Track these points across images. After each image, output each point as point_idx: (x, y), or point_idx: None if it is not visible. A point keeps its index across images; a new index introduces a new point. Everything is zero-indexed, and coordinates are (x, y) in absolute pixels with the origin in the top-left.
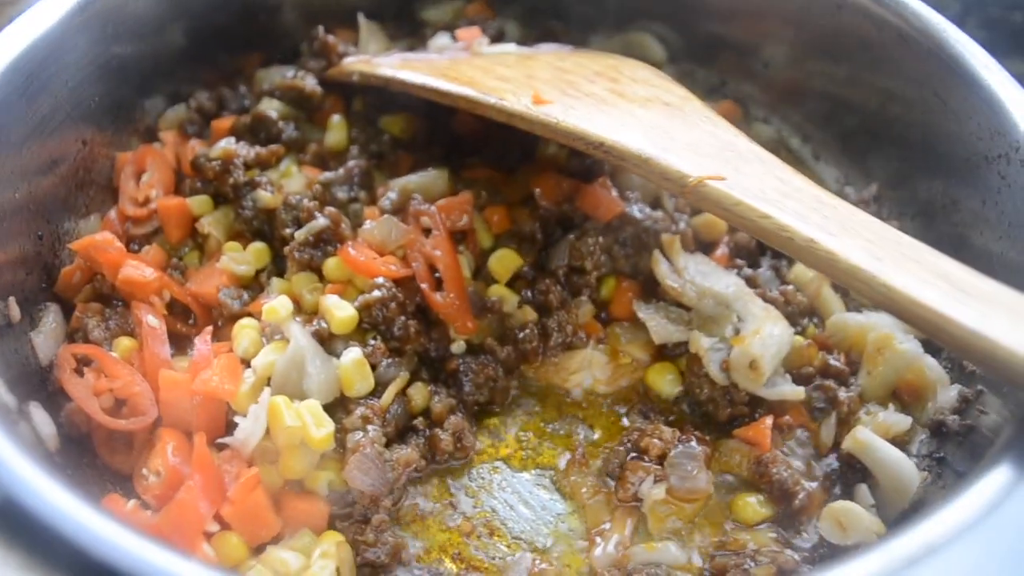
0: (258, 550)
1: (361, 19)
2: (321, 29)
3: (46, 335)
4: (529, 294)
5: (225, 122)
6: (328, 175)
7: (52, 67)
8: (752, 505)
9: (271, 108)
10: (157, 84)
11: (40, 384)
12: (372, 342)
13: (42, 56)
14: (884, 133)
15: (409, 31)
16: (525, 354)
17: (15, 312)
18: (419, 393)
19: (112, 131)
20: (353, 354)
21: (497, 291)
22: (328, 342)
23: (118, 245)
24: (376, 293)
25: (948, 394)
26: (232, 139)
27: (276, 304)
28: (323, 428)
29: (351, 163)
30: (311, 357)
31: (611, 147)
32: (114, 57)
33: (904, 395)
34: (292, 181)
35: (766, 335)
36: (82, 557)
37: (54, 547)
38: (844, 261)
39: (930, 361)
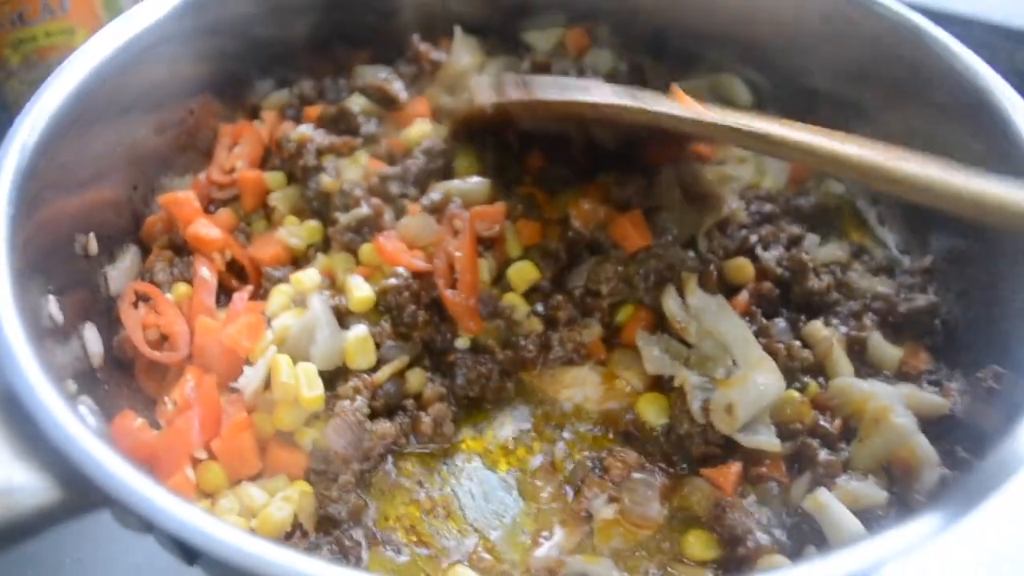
0: (236, 484)
1: (457, 31)
2: (416, 37)
3: (120, 271)
4: (541, 307)
5: (315, 110)
6: (386, 170)
7: (182, 42)
8: (699, 543)
9: (356, 103)
10: (272, 68)
11: (105, 311)
12: (383, 324)
13: (174, 30)
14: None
15: (508, 50)
16: (522, 361)
17: (93, 246)
18: (416, 377)
19: (221, 104)
20: (359, 330)
21: (510, 298)
22: (344, 317)
23: (196, 205)
24: (392, 281)
25: (931, 476)
26: (311, 126)
27: (304, 275)
28: (314, 390)
29: (409, 162)
30: (322, 327)
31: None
32: (246, 39)
33: (896, 471)
34: (351, 170)
35: (750, 384)
36: (60, 457)
37: (42, 442)
38: None
39: (922, 440)
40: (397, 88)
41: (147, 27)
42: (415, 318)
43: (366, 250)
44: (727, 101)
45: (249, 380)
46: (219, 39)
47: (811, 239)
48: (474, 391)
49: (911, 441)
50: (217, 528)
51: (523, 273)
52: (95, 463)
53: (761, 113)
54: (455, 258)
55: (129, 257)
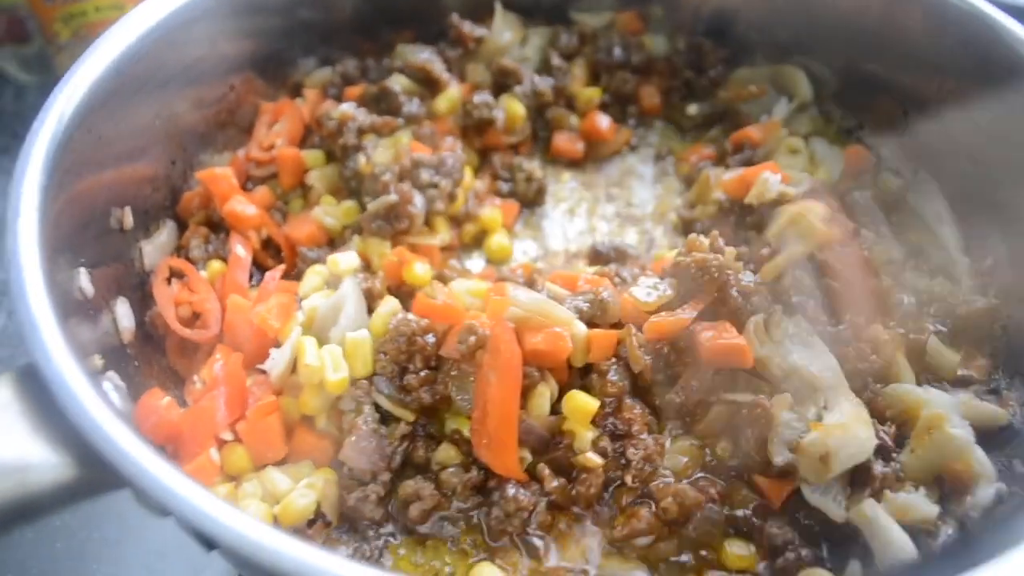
0: (261, 468)
1: (497, 7)
2: (455, 16)
3: (155, 246)
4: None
5: (357, 89)
6: (420, 156)
7: (224, 18)
8: (738, 552)
9: (397, 83)
10: (315, 47)
11: (138, 286)
12: None
13: (216, 6)
14: (1013, 206)
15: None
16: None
17: (128, 220)
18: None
19: (263, 81)
20: (390, 306)
21: (570, 426)
22: (375, 300)
23: (233, 182)
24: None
25: (987, 491)
26: (353, 104)
27: (341, 257)
28: (339, 372)
29: (447, 154)
30: (348, 309)
31: None
32: (289, 18)
33: (949, 483)
34: (383, 153)
35: (851, 436)
36: (78, 435)
37: (61, 419)
38: None
39: (979, 453)
40: (439, 69)
41: (189, 2)
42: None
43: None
44: (787, 92)
45: (276, 362)
46: (262, 17)
47: (866, 236)
48: (512, 526)
49: (967, 453)
50: (234, 518)
51: (579, 406)
52: (112, 444)
53: (819, 105)
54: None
55: (165, 232)
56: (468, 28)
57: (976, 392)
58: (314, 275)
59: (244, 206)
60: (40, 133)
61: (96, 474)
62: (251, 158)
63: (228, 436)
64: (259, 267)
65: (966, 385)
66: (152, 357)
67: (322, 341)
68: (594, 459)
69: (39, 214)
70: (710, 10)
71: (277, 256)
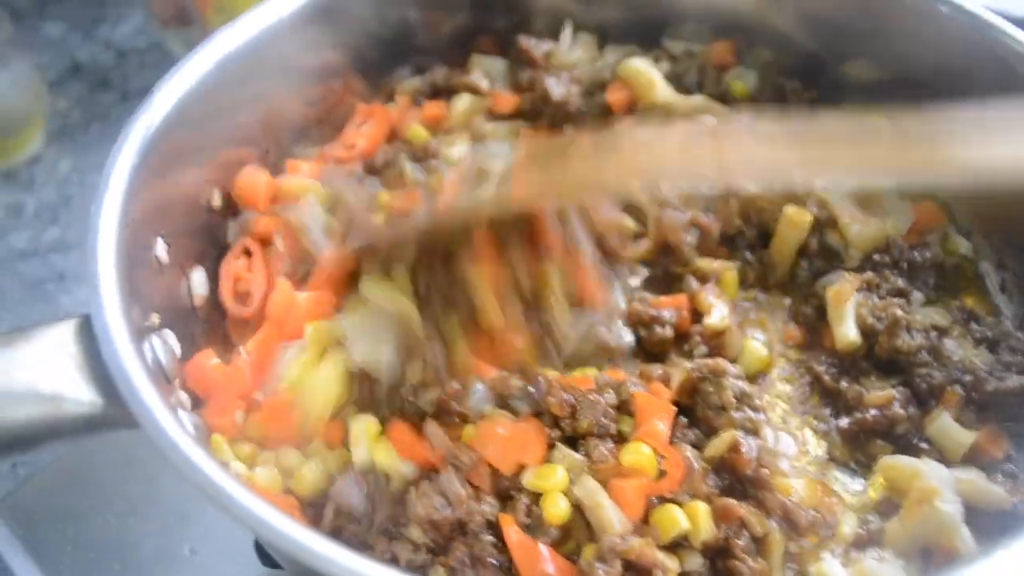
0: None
1: (566, 27)
2: (521, 39)
3: (241, 224)
4: None
5: (433, 106)
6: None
7: (332, 26)
8: None
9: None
10: (412, 56)
11: (220, 258)
12: None
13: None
14: None
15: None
16: None
17: (217, 201)
18: None
19: (365, 84)
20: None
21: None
22: None
23: None
24: None
25: None
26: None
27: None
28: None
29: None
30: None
31: None
32: (401, 37)
33: (937, 559)
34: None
35: None
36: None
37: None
38: None
39: (965, 532)
40: (486, 86)
41: (301, 9)
42: None
43: None
44: None
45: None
46: (370, 30)
47: (916, 297)
48: None
49: (953, 530)
50: (217, 474)
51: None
52: (129, 387)
53: None
54: None
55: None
56: (533, 46)
57: (989, 472)
58: None
59: None
60: (141, 119)
61: (117, 412)
62: (332, 156)
63: (260, 396)
64: None
65: (980, 463)
66: (219, 323)
67: None
68: None
69: (127, 188)
70: (806, 50)
71: None
